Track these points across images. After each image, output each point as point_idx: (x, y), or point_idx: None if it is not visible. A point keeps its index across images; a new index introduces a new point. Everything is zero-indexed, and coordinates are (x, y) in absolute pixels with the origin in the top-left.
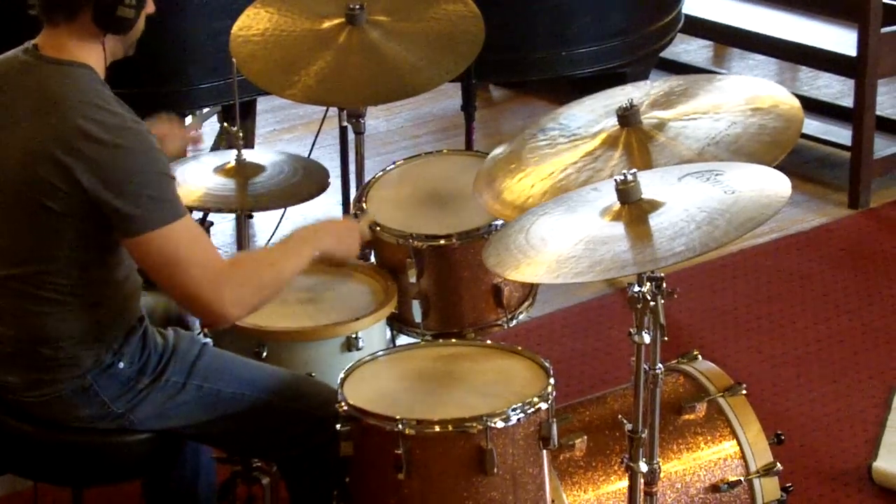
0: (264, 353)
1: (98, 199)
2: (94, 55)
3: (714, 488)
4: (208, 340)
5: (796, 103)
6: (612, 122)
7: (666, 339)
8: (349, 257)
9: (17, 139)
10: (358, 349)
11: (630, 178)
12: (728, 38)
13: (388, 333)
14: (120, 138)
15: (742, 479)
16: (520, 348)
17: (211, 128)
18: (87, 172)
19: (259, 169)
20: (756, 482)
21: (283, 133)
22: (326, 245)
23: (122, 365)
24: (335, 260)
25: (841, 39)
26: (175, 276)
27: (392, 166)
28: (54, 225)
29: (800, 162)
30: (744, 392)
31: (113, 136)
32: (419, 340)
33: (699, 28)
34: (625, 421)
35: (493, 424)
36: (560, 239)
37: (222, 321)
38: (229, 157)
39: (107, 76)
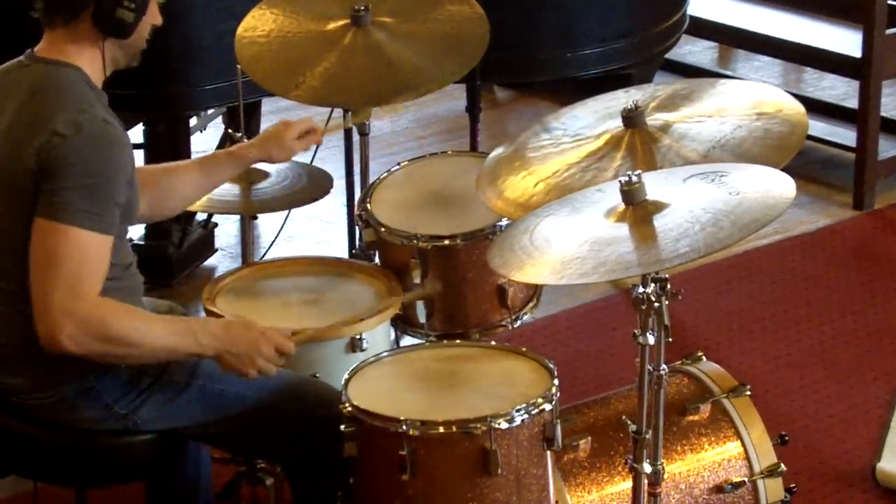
0: None
1: (42, 180)
2: (88, 59)
3: (718, 489)
4: None
5: (801, 109)
6: (615, 124)
7: (670, 340)
8: (241, 373)
9: (2, 137)
10: (362, 350)
11: (635, 179)
12: (733, 40)
13: (393, 334)
14: (80, 137)
15: (746, 479)
16: (524, 349)
17: (215, 130)
18: (37, 159)
19: (263, 175)
20: (760, 483)
21: None
22: (214, 354)
23: (123, 366)
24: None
25: (846, 41)
26: (43, 275)
27: (397, 167)
28: (31, 221)
29: (805, 163)
30: (748, 393)
31: (75, 134)
32: (423, 341)
33: (704, 29)
34: (629, 422)
35: (497, 425)
36: (564, 240)
37: (51, 346)
38: None
39: (110, 78)
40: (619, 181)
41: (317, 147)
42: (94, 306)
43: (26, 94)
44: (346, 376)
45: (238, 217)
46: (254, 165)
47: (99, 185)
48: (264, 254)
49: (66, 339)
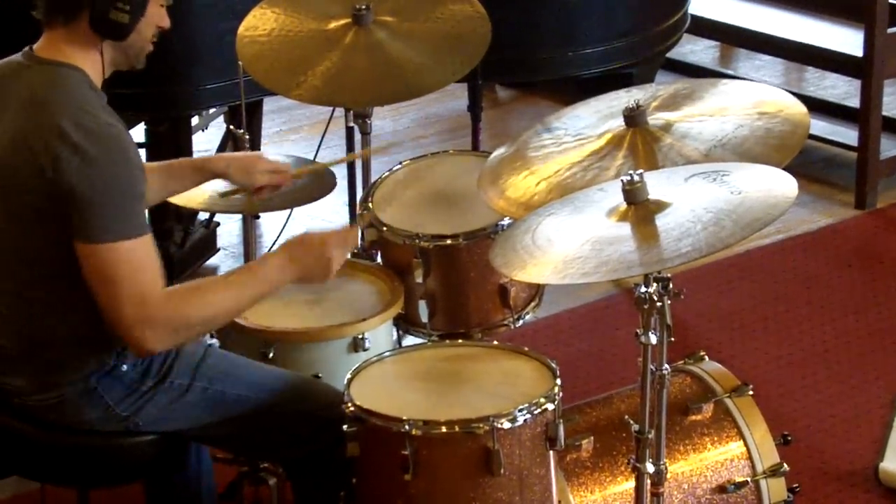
0: (271, 354)
1: (65, 200)
2: (89, 60)
3: (721, 489)
4: (214, 342)
5: (802, 108)
6: (617, 123)
7: (672, 339)
8: (324, 281)
9: (2, 138)
10: (364, 350)
11: (637, 178)
12: (734, 39)
13: (395, 334)
14: (94, 147)
15: (749, 479)
16: (526, 349)
17: (217, 129)
18: (58, 173)
19: None
20: (763, 483)
21: (290, 134)
22: (294, 276)
23: (125, 367)
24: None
25: (847, 40)
26: (106, 296)
27: (398, 167)
28: (42, 225)
29: (806, 162)
30: (750, 393)
31: (88, 144)
32: (426, 341)
33: (705, 28)
34: (631, 422)
35: (499, 425)
36: (566, 239)
37: (140, 353)
38: None
39: (113, 77)
40: (622, 180)
41: (319, 145)
42: (165, 304)
43: (29, 95)
44: (348, 376)
45: (240, 216)
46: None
47: (124, 192)
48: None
49: (153, 343)
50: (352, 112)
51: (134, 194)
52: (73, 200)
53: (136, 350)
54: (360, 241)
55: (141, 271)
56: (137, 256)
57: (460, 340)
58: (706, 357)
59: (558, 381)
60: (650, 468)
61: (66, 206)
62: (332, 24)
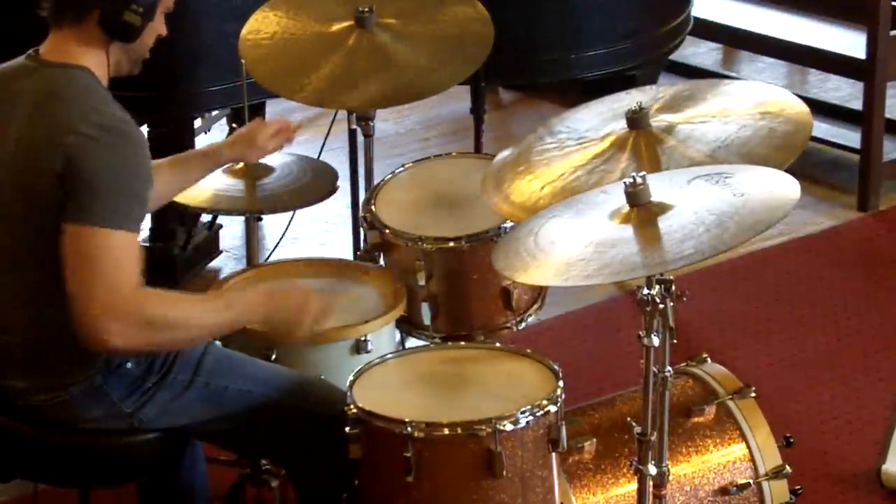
0: (273, 356)
1: (73, 185)
2: (96, 61)
3: (723, 491)
4: (216, 342)
5: (805, 108)
6: (620, 125)
7: (675, 341)
8: (294, 334)
9: (14, 140)
10: (367, 352)
11: (639, 180)
12: (737, 41)
13: (398, 336)
14: (107, 136)
15: (751, 481)
16: (529, 351)
17: (220, 131)
18: (71, 164)
19: (268, 170)
20: (765, 485)
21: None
22: (262, 320)
23: (129, 364)
24: (278, 332)
25: (850, 42)
26: (81, 280)
27: (401, 169)
28: (52, 224)
29: (809, 165)
30: (753, 395)
31: (102, 134)
32: (428, 343)
33: (708, 31)
34: (634, 424)
35: (502, 427)
36: (569, 242)
37: (99, 347)
38: None
39: (115, 79)
40: (624, 183)
41: (322, 147)
42: (134, 297)
43: (39, 99)
44: (350, 378)
45: (243, 218)
46: (260, 160)
47: (126, 185)
48: (269, 255)
49: (114, 337)
50: (355, 115)
51: (136, 192)
52: (79, 182)
53: (91, 341)
54: (363, 245)
55: (122, 264)
56: (124, 250)
57: (463, 343)
58: (708, 359)
59: (561, 384)
60: (652, 470)
61: (66, 187)
62: (335, 27)
